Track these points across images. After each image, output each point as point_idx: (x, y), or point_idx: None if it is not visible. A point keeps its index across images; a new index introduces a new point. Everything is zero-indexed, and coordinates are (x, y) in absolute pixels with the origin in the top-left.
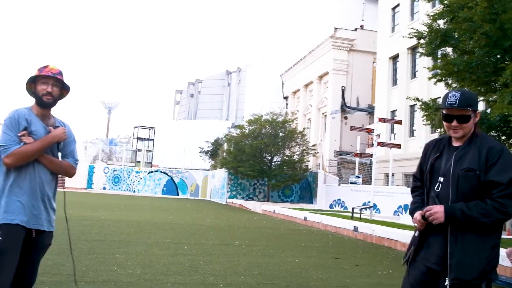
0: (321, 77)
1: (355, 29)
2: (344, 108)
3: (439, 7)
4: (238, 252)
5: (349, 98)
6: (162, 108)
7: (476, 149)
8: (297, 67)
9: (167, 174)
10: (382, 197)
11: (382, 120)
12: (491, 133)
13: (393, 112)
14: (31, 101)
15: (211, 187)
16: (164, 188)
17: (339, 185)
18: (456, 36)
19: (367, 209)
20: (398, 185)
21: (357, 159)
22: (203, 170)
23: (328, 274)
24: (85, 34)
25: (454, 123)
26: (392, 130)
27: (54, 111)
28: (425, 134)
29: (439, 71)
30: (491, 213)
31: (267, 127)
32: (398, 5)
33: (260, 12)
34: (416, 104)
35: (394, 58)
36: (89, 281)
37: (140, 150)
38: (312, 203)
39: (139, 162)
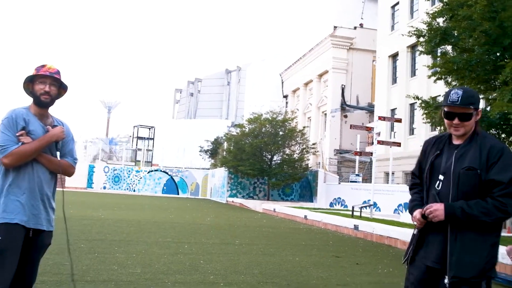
0: (320, 75)
1: (355, 28)
2: (344, 107)
3: (438, 5)
4: (239, 251)
5: (348, 97)
6: (162, 107)
7: (477, 147)
8: (297, 66)
9: (167, 173)
10: (382, 195)
11: (382, 118)
12: (491, 131)
13: (393, 110)
14: (29, 100)
15: (211, 186)
16: (164, 187)
17: (339, 183)
18: (456, 34)
19: (367, 207)
20: (398, 184)
21: (357, 158)
22: (203, 169)
23: (328, 273)
24: (85, 33)
25: (456, 121)
26: (392, 129)
27: (53, 110)
28: (425, 132)
29: (438, 69)
30: (491, 212)
31: (267, 126)
32: (397, 3)
33: (259, 11)
34: (416, 102)
35: (394, 57)
36: (89, 280)
37: (140, 149)
38: (312, 201)
39: (139, 161)
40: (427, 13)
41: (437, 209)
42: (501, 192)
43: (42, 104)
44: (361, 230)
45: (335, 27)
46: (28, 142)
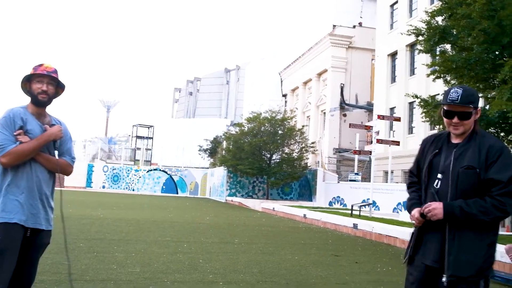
0: (319, 74)
1: (354, 27)
2: (343, 106)
3: (437, 4)
4: (238, 250)
5: (348, 96)
6: (161, 106)
7: (476, 146)
8: (296, 65)
9: (166, 172)
10: (381, 194)
11: (381, 117)
12: (489, 129)
13: (392, 109)
14: (27, 100)
15: (211, 185)
16: (164, 187)
17: (338, 182)
18: (455, 32)
19: (366, 206)
20: (397, 182)
21: (356, 156)
22: (202, 168)
23: (328, 271)
24: (84, 32)
25: (455, 119)
26: (391, 127)
27: (51, 109)
28: (424, 131)
29: (437, 68)
30: (490, 211)
31: (266, 125)
32: (396, 2)
33: (258, 10)
34: (415, 101)
35: (393, 55)
36: (88, 279)
37: (139, 149)
38: (311, 200)
39: (138, 160)
40: (426, 12)
41: (436, 207)
42: (500, 191)
43: (39, 103)
44: (360, 229)
45: (334, 26)
46: (26, 141)
